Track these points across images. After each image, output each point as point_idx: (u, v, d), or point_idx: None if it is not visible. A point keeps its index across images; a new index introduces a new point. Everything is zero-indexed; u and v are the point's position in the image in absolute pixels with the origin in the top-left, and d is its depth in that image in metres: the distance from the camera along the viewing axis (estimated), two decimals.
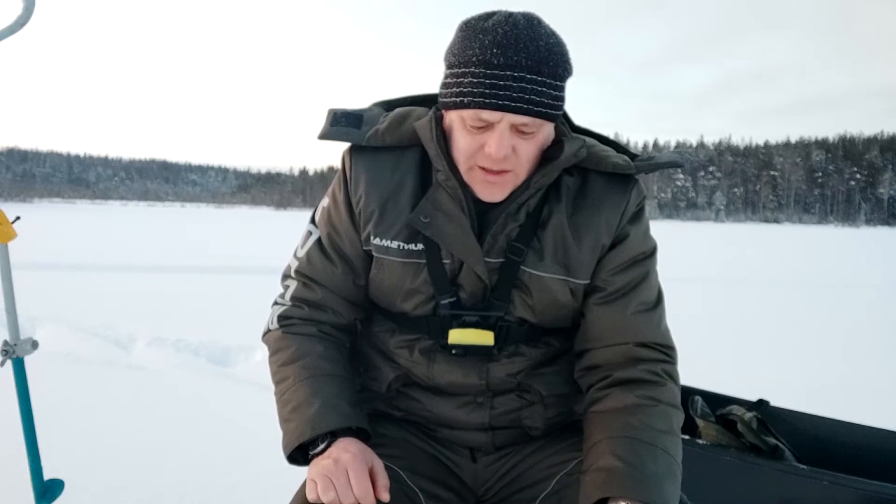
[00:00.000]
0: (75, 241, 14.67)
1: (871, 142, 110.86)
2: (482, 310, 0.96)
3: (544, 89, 0.84)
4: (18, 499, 1.67)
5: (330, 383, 0.94)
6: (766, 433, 1.67)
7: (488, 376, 0.98)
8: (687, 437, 1.61)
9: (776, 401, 1.84)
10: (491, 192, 0.91)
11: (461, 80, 0.86)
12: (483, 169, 0.89)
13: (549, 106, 0.85)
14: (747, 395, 1.90)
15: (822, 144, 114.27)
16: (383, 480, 0.85)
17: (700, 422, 1.70)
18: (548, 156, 0.93)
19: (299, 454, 0.91)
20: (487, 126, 0.86)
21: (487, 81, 0.83)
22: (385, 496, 0.84)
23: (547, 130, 0.90)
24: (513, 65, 0.82)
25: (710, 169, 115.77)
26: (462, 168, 0.92)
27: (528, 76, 0.83)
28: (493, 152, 0.86)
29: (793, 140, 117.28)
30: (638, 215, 0.98)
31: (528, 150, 0.88)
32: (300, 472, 0.95)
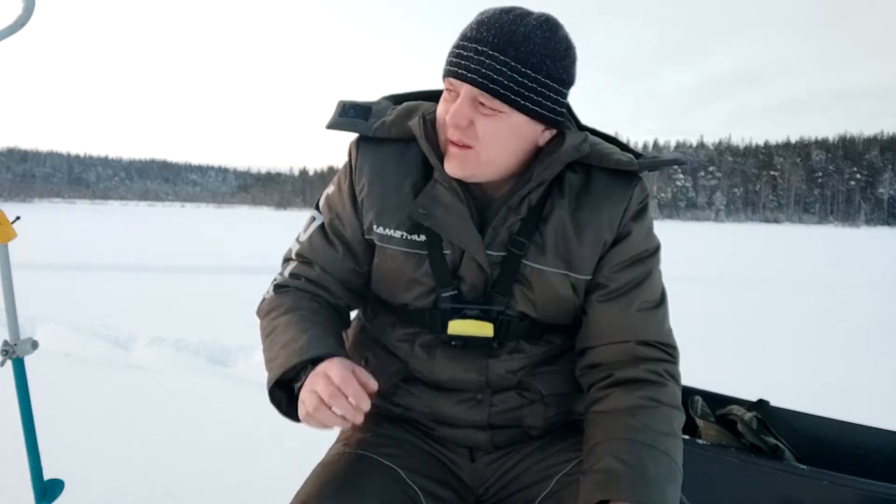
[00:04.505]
0: (75, 241, 14.66)
1: (871, 142, 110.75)
2: (483, 304, 0.96)
3: (503, 69, 0.84)
4: (18, 499, 1.67)
5: (320, 325, 0.93)
6: (766, 433, 1.67)
7: (488, 372, 0.98)
8: (687, 437, 1.61)
9: (776, 401, 1.84)
10: (450, 164, 0.91)
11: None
12: (451, 142, 0.91)
13: (508, 88, 0.85)
14: (747, 395, 1.90)
15: (822, 144, 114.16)
16: (368, 379, 0.83)
17: (700, 422, 1.70)
18: (549, 150, 0.94)
19: (283, 397, 0.89)
20: (454, 93, 0.89)
21: (455, 51, 0.88)
22: (372, 385, 0.82)
23: (515, 121, 0.89)
24: (479, 39, 0.86)
25: (710, 169, 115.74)
26: (441, 142, 0.94)
27: (490, 52, 0.85)
28: (449, 120, 0.87)
29: (793, 140, 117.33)
30: (641, 213, 0.98)
31: (488, 129, 0.88)
32: (300, 472, 0.95)
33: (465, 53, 0.86)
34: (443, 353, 0.99)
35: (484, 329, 0.95)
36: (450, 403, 1.01)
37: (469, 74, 0.85)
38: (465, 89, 0.86)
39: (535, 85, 0.86)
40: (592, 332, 0.97)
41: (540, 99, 0.88)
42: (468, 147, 0.89)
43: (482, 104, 0.87)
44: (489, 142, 0.89)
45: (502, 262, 0.95)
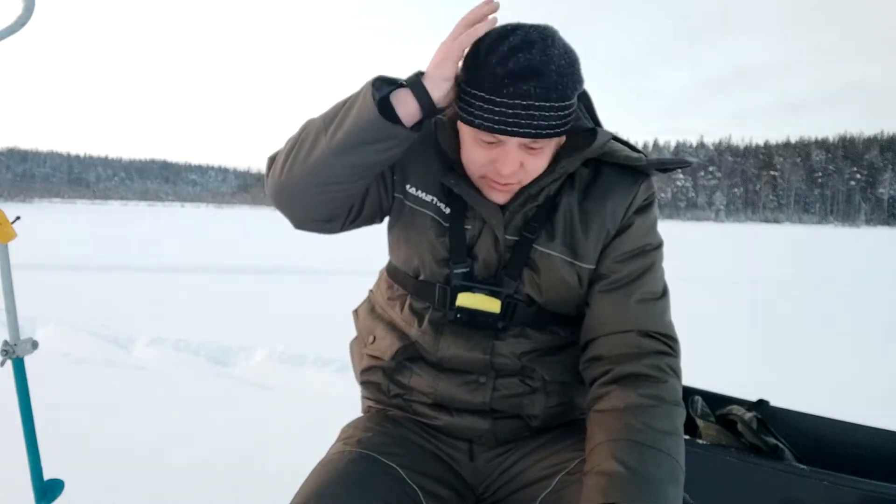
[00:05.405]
0: (75, 241, 14.66)
1: (871, 142, 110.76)
2: (493, 285, 0.99)
3: (552, 113, 0.87)
4: (18, 499, 1.67)
5: None
6: (766, 433, 1.66)
7: (493, 352, 0.99)
8: (687, 437, 1.61)
9: (776, 401, 1.84)
10: (497, 197, 0.97)
11: (472, 100, 0.88)
12: (495, 181, 0.94)
13: (557, 126, 0.88)
14: (747, 396, 1.90)
15: (822, 144, 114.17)
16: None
17: (700, 422, 1.70)
18: (574, 144, 0.97)
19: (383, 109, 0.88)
20: (497, 143, 0.90)
21: (497, 109, 0.86)
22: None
23: (556, 141, 0.94)
24: (522, 94, 0.85)
25: (710, 169, 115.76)
26: (472, 175, 0.97)
27: (537, 103, 0.85)
28: (502, 170, 0.91)
29: (793, 140, 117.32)
30: (645, 208, 1.00)
31: (535, 165, 0.93)
32: (301, 472, 0.96)
33: (512, 111, 0.85)
34: (450, 330, 1.01)
35: (491, 304, 0.98)
36: (452, 385, 1.02)
37: (522, 130, 0.86)
38: (515, 141, 0.89)
39: (569, 110, 0.89)
40: (594, 323, 0.98)
41: (570, 118, 0.90)
42: (514, 182, 0.94)
43: (532, 147, 0.90)
44: (536, 171, 0.94)
45: (514, 246, 0.99)
